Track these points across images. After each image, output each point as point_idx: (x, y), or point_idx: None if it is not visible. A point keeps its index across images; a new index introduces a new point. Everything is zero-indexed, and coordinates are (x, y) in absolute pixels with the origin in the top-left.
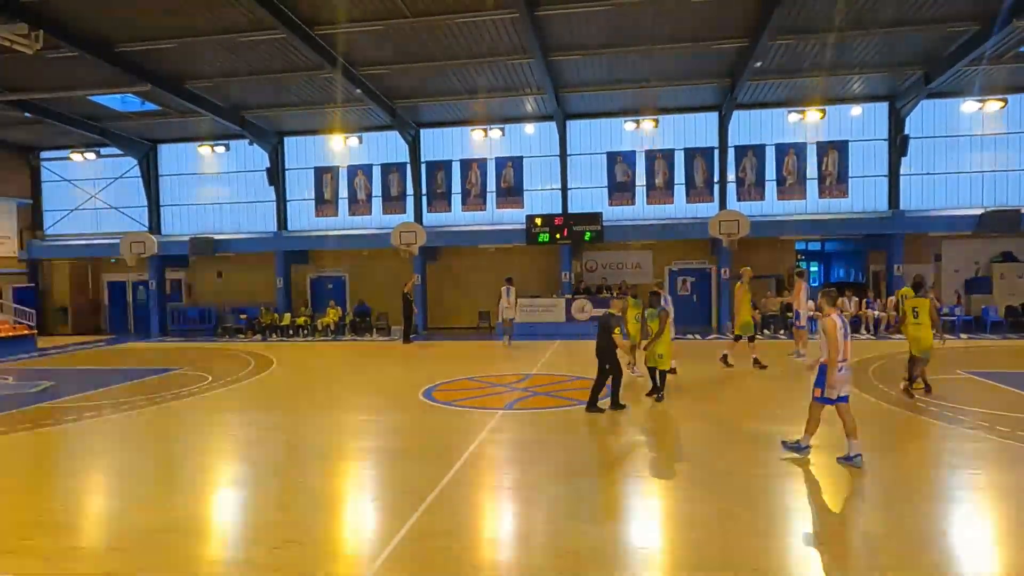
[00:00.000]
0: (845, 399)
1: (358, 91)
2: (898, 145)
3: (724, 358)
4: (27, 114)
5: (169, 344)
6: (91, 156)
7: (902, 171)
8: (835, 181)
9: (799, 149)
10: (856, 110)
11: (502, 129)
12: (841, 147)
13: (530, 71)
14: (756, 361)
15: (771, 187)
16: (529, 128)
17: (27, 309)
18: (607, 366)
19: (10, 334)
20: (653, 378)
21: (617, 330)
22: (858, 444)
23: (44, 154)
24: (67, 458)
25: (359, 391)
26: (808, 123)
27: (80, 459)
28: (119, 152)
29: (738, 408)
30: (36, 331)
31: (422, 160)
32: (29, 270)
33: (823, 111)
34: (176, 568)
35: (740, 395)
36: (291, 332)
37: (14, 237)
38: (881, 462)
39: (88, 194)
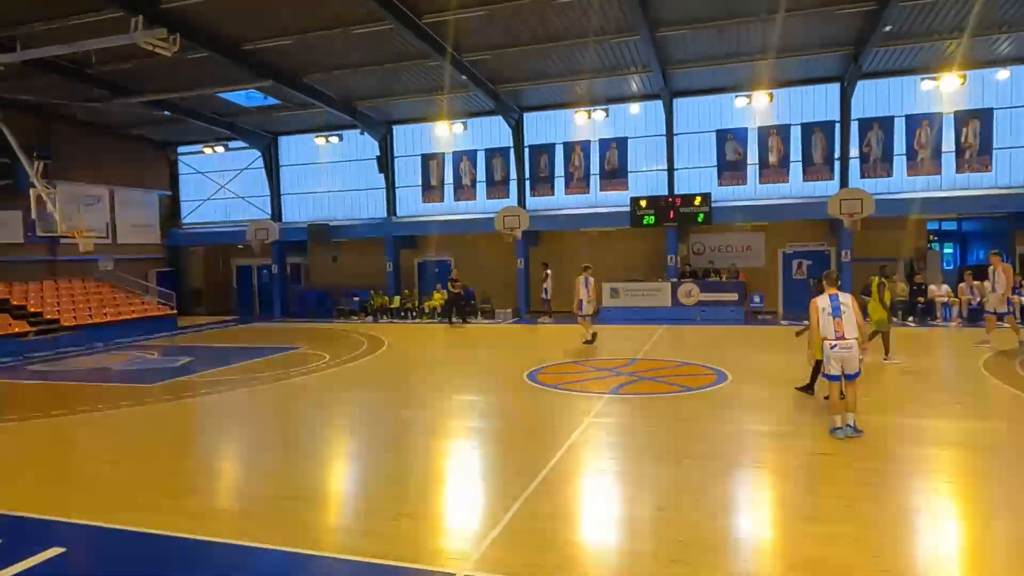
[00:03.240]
0: (851, 376)
1: (463, 77)
2: None
3: None
4: (166, 112)
5: (290, 324)
6: (220, 149)
7: None
8: (976, 154)
9: (933, 120)
10: (1003, 74)
11: (606, 110)
12: (984, 116)
13: (635, 49)
14: None
15: (900, 162)
16: (634, 108)
17: (168, 291)
18: None
19: (155, 314)
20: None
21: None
22: (853, 416)
23: (180, 149)
24: (204, 427)
25: (466, 372)
26: (944, 91)
27: (214, 429)
28: (244, 145)
29: (878, 400)
30: (176, 311)
31: (525, 144)
32: (169, 256)
33: (963, 76)
34: (301, 534)
35: (882, 386)
36: (402, 314)
37: (157, 226)
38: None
39: (218, 185)
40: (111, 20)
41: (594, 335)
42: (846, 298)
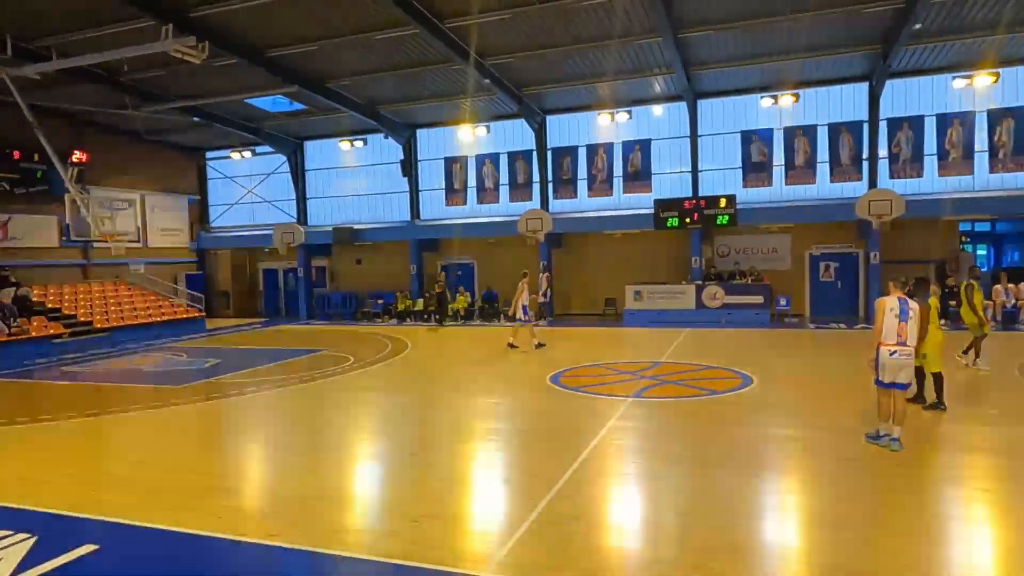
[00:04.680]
0: (902, 387)
1: (486, 81)
2: None
3: None
4: (195, 118)
5: (315, 327)
6: (247, 154)
7: None
8: (1010, 153)
9: (965, 118)
10: None
11: (629, 112)
12: (1018, 114)
13: (659, 50)
14: None
15: (930, 162)
16: (657, 110)
17: (197, 294)
18: None
19: (184, 316)
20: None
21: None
22: (899, 430)
23: (209, 154)
24: (230, 428)
25: (489, 374)
26: (977, 89)
27: (241, 429)
28: (271, 150)
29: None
30: (204, 313)
31: (548, 147)
32: (198, 259)
33: (995, 74)
34: (325, 534)
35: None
36: (425, 316)
37: (186, 229)
38: None
39: (245, 189)
40: (142, 29)
41: (511, 345)
42: (914, 305)
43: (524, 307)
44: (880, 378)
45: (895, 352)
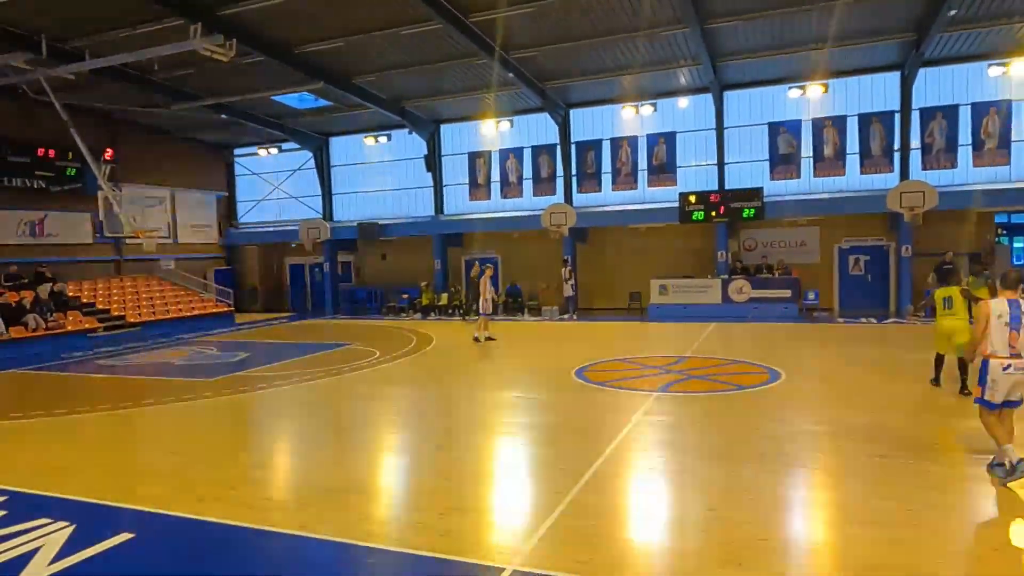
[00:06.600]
0: (1015, 404)
1: (510, 75)
2: None
3: None
4: (223, 116)
5: (341, 321)
6: (274, 151)
7: None
8: None
9: (1001, 107)
10: None
11: (654, 105)
12: None
13: (684, 42)
14: None
15: (965, 152)
16: (683, 102)
17: (226, 289)
18: None
19: (214, 311)
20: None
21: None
22: (1011, 452)
23: (236, 151)
24: (260, 421)
25: (513, 368)
26: (1014, 77)
27: (270, 422)
28: (297, 146)
29: (942, 402)
30: (233, 308)
31: (572, 140)
32: (227, 254)
33: None
34: (354, 525)
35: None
36: (449, 311)
37: (214, 226)
38: None
39: (272, 185)
40: (172, 28)
41: (488, 338)
42: None
43: (489, 301)
44: (988, 398)
45: (1008, 366)
